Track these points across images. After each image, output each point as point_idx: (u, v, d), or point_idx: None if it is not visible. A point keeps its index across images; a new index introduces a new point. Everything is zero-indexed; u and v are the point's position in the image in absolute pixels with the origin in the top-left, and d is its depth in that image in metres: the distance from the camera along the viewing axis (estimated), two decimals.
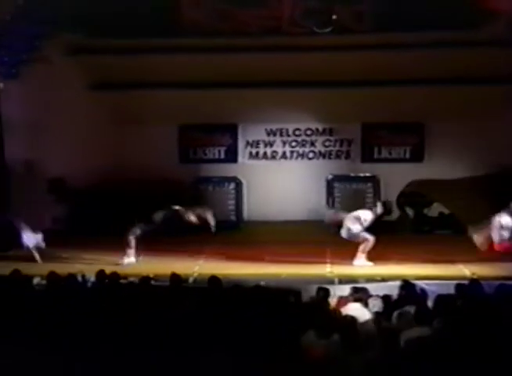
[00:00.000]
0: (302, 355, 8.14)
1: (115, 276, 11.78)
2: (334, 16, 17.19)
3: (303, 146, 20.22)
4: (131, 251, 15.26)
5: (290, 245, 16.18)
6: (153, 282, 12.02)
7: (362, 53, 17.89)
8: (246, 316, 9.51)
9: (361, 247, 14.92)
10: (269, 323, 9.15)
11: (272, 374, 7.62)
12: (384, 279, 13.24)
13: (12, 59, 15.14)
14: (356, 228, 15.00)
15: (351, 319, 9.01)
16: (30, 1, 15.11)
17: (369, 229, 15.26)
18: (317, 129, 20.18)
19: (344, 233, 15.18)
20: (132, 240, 15.29)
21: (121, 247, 15.66)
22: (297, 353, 8.15)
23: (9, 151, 16.62)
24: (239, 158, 20.19)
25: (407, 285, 11.40)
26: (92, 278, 12.23)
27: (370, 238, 14.94)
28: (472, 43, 17.43)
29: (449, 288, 11.70)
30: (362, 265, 14.75)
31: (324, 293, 11.18)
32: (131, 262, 15.11)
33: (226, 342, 8.25)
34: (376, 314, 9.97)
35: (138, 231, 15.31)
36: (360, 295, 10.99)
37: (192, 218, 15.46)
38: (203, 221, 15.53)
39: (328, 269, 14.36)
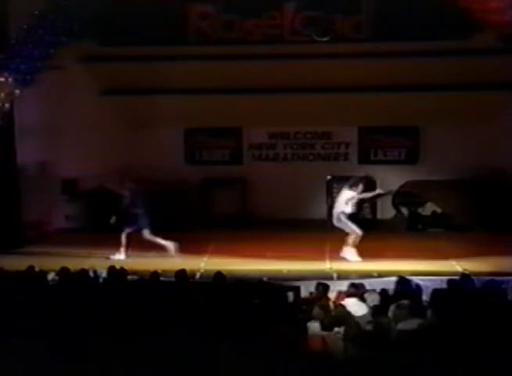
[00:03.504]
0: (305, 346, 8.15)
1: (124, 272, 11.80)
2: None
3: (303, 148, 20.22)
4: (122, 248, 15.39)
5: (291, 242, 16.18)
6: (161, 278, 12.07)
7: (359, 61, 17.92)
8: (249, 309, 9.55)
9: (349, 241, 14.97)
10: (271, 316, 9.18)
11: (274, 366, 7.61)
12: (380, 275, 13.24)
13: (27, 67, 15.12)
14: (346, 209, 15.08)
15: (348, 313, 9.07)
16: (45, 11, 15.11)
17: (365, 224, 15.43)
18: (316, 133, 20.17)
19: (334, 220, 15.25)
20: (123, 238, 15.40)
21: (132, 243, 15.71)
22: (299, 345, 8.16)
23: (22, 154, 16.63)
24: (244, 160, 20.18)
25: (403, 280, 11.42)
26: (104, 274, 12.24)
27: (358, 232, 14.97)
28: (464, 52, 17.51)
29: (442, 283, 11.74)
30: (351, 259, 14.76)
31: (323, 288, 11.20)
32: (121, 258, 15.20)
33: (231, 334, 8.25)
34: (374, 308, 9.98)
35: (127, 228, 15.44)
36: (357, 290, 11.02)
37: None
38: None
39: (327, 266, 14.36)
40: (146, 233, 15.41)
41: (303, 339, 8.46)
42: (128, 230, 15.43)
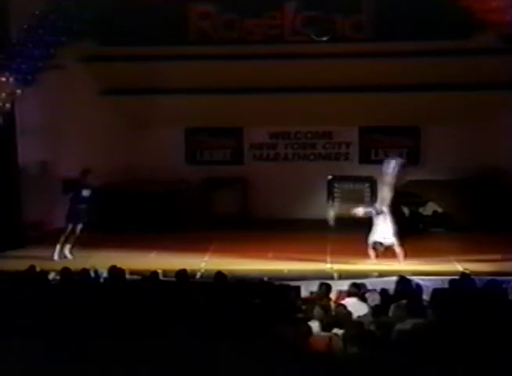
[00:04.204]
0: (305, 346, 8.14)
1: (123, 272, 11.81)
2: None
3: (304, 148, 20.22)
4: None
5: (292, 242, 16.18)
6: (161, 278, 12.09)
7: (360, 61, 17.94)
8: (250, 309, 9.55)
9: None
10: (271, 316, 9.18)
11: (274, 366, 7.61)
12: (381, 274, 13.24)
13: (28, 67, 15.12)
14: None
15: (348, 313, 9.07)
16: (46, 11, 15.11)
17: None
18: (317, 132, 20.17)
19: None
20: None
21: (132, 244, 15.74)
22: (299, 345, 8.16)
23: (23, 153, 16.67)
24: (245, 160, 20.18)
25: (403, 280, 11.42)
26: (105, 273, 12.25)
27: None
28: (464, 52, 17.53)
29: (443, 283, 11.74)
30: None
31: (326, 288, 11.20)
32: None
33: (231, 334, 8.25)
34: (375, 307, 9.98)
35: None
36: (357, 290, 11.02)
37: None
38: None
39: (328, 266, 14.36)
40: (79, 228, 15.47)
41: (303, 339, 8.45)
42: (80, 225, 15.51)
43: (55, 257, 15.09)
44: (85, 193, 15.60)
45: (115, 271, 11.83)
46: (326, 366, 7.64)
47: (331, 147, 20.20)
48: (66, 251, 15.27)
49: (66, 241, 15.36)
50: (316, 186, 19.36)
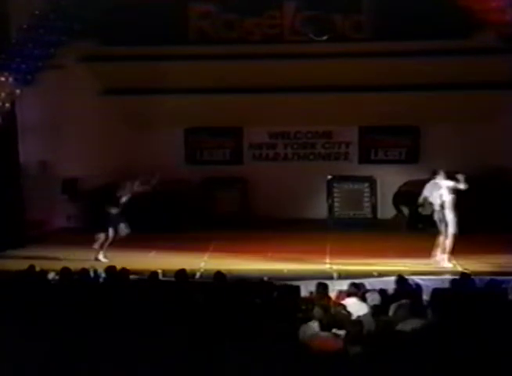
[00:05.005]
0: (305, 346, 8.13)
1: (124, 271, 11.79)
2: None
3: (304, 148, 20.20)
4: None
5: (292, 242, 16.16)
6: (161, 277, 12.08)
7: (360, 60, 17.95)
8: (250, 309, 9.54)
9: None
10: (271, 315, 9.17)
11: (274, 366, 7.60)
12: (380, 274, 13.22)
13: (28, 66, 15.13)
14: None
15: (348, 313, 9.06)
16: (46, 11, 15.11)
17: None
18: (317, 132, 20.14)
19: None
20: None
21: (132, 244, 15.71)
22: (299, 345, 8.15)
23: (24, 153, 16.67)
24: (244, 160, 20.15)
25: (402, 280, 11.42)
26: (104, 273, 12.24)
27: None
28: (464, 51, 17.53)
29: (443, 283, 11.74)
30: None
31: (324, 288, 11.19)
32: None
33: (231, 334, 8.24)
34: (374, 307, 9.97)
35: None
36: (357, 290, 11.02)
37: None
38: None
39: (328, 265, 14.34)
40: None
41: (303, 339, 8.44)
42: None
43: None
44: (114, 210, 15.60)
45: (112, 271, 11.80)
46: (326, 366, 7.63)
47: (331, 147, 20.17)
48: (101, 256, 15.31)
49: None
50: (316, 186, 19.35)
